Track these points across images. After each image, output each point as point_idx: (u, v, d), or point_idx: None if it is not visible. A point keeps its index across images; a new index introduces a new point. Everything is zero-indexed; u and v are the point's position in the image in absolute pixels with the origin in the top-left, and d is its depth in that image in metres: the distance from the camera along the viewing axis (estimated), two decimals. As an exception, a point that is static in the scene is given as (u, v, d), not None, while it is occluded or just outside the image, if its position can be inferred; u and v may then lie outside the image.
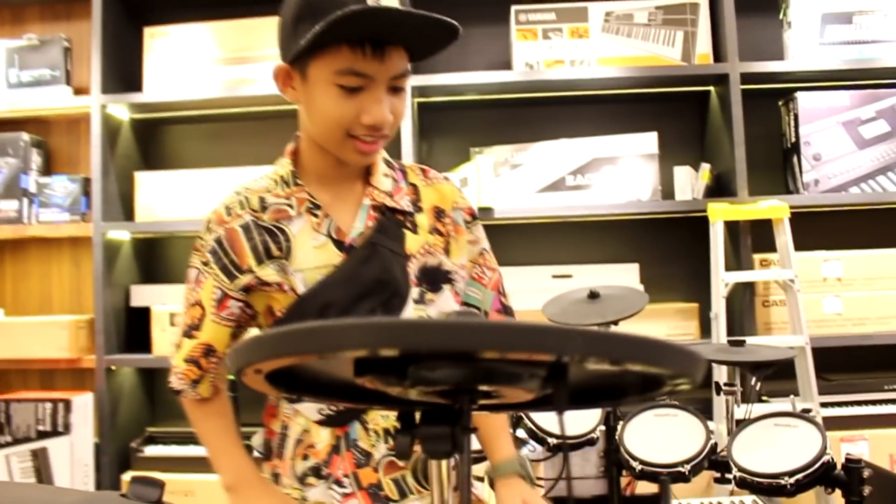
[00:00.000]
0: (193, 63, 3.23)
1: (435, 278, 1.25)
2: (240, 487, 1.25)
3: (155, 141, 3.58)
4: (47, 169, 3.45)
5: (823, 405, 2.91)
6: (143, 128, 3.50)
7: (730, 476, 1.61)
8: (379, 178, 1.26)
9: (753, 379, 1.79)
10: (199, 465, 2.97)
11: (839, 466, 1.57)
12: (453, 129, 3.41)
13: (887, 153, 3.01)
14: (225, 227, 1.25)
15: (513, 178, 3.13)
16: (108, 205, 3.21)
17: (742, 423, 1.73)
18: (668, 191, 3.15)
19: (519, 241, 3.37)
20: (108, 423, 3.09)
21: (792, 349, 2.02)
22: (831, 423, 2.90)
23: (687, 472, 1.61)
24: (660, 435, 1.72)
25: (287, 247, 1.20)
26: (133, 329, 3.30)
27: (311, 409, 1.23)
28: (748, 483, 1.56)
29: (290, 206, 1.22)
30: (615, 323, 1.94)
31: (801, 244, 2.91)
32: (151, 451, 3.11)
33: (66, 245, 3.49)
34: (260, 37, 3.21)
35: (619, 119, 3.27)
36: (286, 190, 1.23)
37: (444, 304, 1.24)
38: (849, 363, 3.16)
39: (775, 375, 3.05)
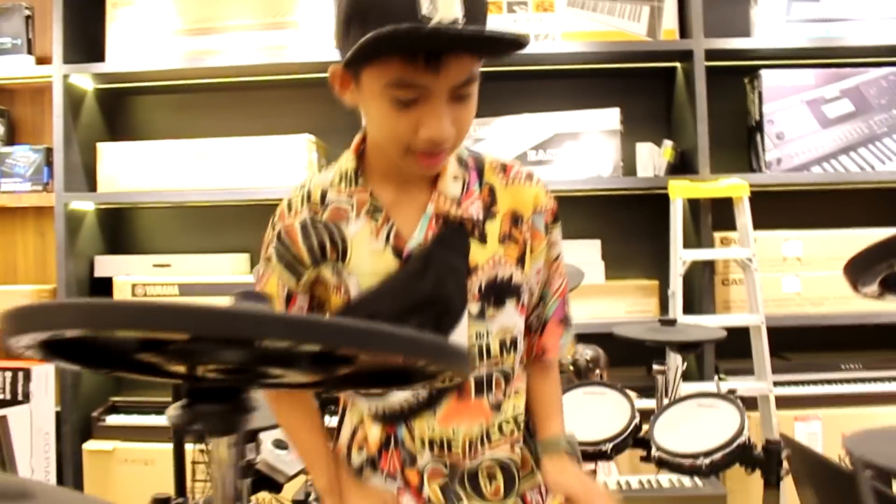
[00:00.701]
0: (157, 33, 3.21)
1: (500, 292, 1.16)
2: (335, 491, 1.20)
3: (120, 111, 3.56)
4: (11, 139, 3.43)
5: (780, 384, 2.93)
6: (107, 98, 3.48)
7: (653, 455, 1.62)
8: (447, 181, 1.15)
9: (679, 358, 1.80)
10: (159, 433, 3.01)
11: (759, 447, 1.58)
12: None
13: (850, 133, 3.00)
14: (285, 224, 1.19)
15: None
16: (71, 175, 3.20)
17: (667, 404, 1.74)
18: (630, 167, 3.14)
19: (482, 216, 3.36)
20: (69, 392, 3.11)
21: (722, 330, 2.02)
22: (787, 402, 2.92)
23: (609, 451, 1.62)
24: (587, 413, 1.73)
25: (343, 248, 1.14)
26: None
27: (364, 402, 1.22)
28: (666, 462, 1.58)
29: (351, 206, 1.15)
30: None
31: (762, 223, 2.91)
32: (113, 420, 3.14)
33: (31, 215, 3.49)
34: (223, 7, 3.19)
35: (584, 94, 3.25)
36: (348, 188, 1.16)
37: (505, 321, 1.16)
38: (806, 342, 3.17)
39: (736, 354, 3.09)
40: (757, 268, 2.84)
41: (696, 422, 1.65)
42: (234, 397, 0.59)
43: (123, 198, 3.22)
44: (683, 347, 1.76)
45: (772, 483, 1.53)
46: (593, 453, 1.64)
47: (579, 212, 3.25)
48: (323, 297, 1.19)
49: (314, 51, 3.11)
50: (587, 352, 2.56)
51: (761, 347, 2.82)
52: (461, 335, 1.13)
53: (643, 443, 1.69)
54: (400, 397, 1.15)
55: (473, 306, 1.14)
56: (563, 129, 3.09)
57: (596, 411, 1.76)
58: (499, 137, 3.10)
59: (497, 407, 1.16)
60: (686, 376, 3.23)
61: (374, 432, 1.20)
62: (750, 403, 2.64)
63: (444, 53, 0.99)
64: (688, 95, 3.06)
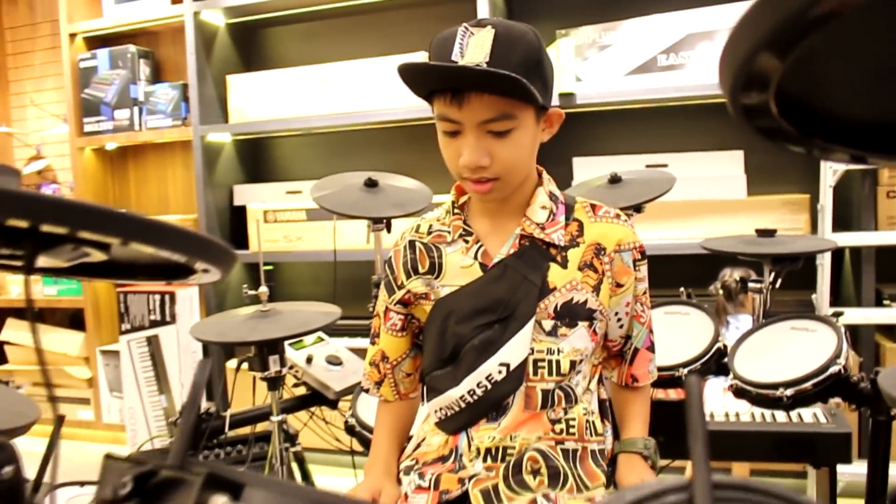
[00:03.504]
0: (277, -38, 3.22)
1: (575, 314, 1.25)
2: (369, 475, 1.37)
3: (250, 44, 3.66)
4: (156, 78, 3.64)
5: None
6: (237, 32, 3.58)
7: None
8: (535, 209, 1.29)
9: (773, 273, 1.54)
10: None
11: (863, 378, 1.32)
12: (542, 11, 3.18)
13: None
14: (394, 250, 1.39)
15: (601, 61, 2.88)
16: (206, 108, 3.34)
17: (755, 326, 1.50)
18: (777, 67, 2.76)
19: (609, 128, 3.14)
20: (214, 314, 3.32)
21: (832, 241, 1.71)
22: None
23: (683, 377, 1.43)
24: (667, 334, 1.53)
25: (439, 265, 1.30)
26: (235, 227, 3.48)
27: (432, 410, 1.34)
28: (743, 392, 1.36)
29: (448, 231, 1.33)
30: (638, 208, 1.74)
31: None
32: (252, 341, 3.30)
33: (178, 148, 3.71)
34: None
35: (721, -14, 2.88)
36: (448, 217, 1.34)
37: (576, 342, 1.25)
38: None
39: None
40: (929, 175, 2.42)
41: (787, 347, 1.41)
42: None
43: (253, 127, 3.32)
44: (776, 260, 1.50)
45: (880, 423, 1.28)
46: (668, 379, 1.46)
47: (718, 120, 2.93)
48: (418, 314, 1.35)
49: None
50: (736, 273, 2.33)
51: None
52: (525, 341, 1.23)
53: (725, 369, 1.48)
54: (457, 394, 1.26)
55: (547, 323, 1.24)
56: (696, 29, 2.77)
57: (679, 332, 1.56)
58: (626, 42, 2.84)
59: (556, 421, 1.25)
60: (841, 301, 2.87)
61: (436, 442, 1.30)
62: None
63: (466, 91, 1.13)
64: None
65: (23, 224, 0.46)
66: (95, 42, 3.66)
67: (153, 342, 3.22)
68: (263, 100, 3.28)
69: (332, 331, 2.26)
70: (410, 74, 1.16)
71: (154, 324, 3.21)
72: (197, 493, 0.40)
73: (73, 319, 3.93)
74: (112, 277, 0.70)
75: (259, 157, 3.70)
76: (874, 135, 0.45)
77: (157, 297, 3.20)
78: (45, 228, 0.47)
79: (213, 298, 3.38)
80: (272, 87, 3.27)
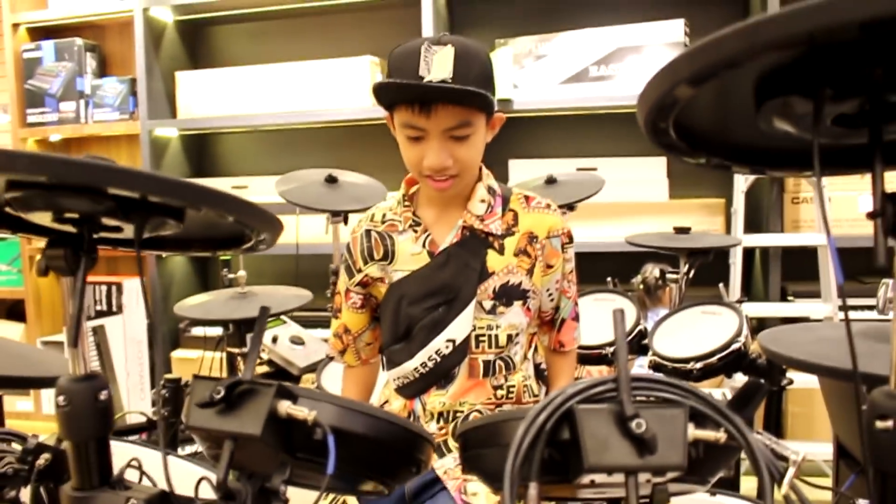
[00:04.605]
0: (227, -38, 3.32)
1: (511, 295, 1.42)
2: None
3: (200, 41, 3.73)
4: (102, 72, 3.67)
5: (855, 307, 2.81)
6: (187, 29, 3.65)
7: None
8: (475, 203, 1.44)
9: (687, 265, 1.76)
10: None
11: (760, 355, 1.54)
12: (482, 20, 3.37)
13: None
14: (352, 236, 1.53)
15: (537, 70, 3.08)
16: (154, 104, 3.41)
17: (670, 311, 1.72)
18: (697, 81, 3.01)
19: (543, 133, 3.34)
20: (160, 306, 3.39)
21: (736, 238, 1.95)
22: (859, 324, 2.79)
23: (609, 355, 1.63)
24: (595, 319, 1.73)
25: (392, 251, 1.46)
26: (182, 221, 3.55)
27: (391, 378, 1.50)
28: (660, 367, 1.57)
29: (400, 221, 1.48)
30: (571, 207, 1.94)
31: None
32: (198, 331, 3.38)
33: (123, 142, 3.76)
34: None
35: (647, 6, 3.13)
36: (399, 209, 1.49)
37: (513, 318, 1.42)
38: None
39: (808, 276, 2.97)
40: (825, 185, 2.70)
41: (697, 328, 1.63)
42: (77, 244, 0.71)
43: (201, 124, 3.40)
44: (691, 254, 1.72)
45: (773, 392, 1.50)
46: (595, 357, 1.65)
47: (643, 128, 3.17)
48: (375, 293, 1.50)
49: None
50: (656, 270, 2.55)
51: (828, 269, 2.70)
52: (467, 319, 1.40)
53: (645, 349, 1.69)
54: (411, 366, 1.43)
55: (487, 303, 1.41)
56: (625, 43, 3.00)
57: (604, 317, 1.76)
58: (561, 53, 3.04)
59: (498, 388, 1.43)
60: (751, 297, 3.15)
61: (396, 406, 1.48)
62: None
63: (433, 103, 1.29)
64: (761, 6, 2.89)
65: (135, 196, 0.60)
66: (39, 33, 3.68)
67: (99, 332, 3.27)
68: (211, 97, 3.36)
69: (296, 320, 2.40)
70: (384, 90, 1.32)
71: (100, 314, 3.26)
72: (271, 398, 0.55)
73: (12, 311, 3.93)
74: (171, 250, 0.84)
75: (205, 153, 3.77)
76: (738, 151, 0.65)
77: (104, 287, 3.26)
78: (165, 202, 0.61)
79: (160, 290, 3.45)
80: (220, 84, 3.36)
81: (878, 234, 0.59)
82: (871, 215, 0.59)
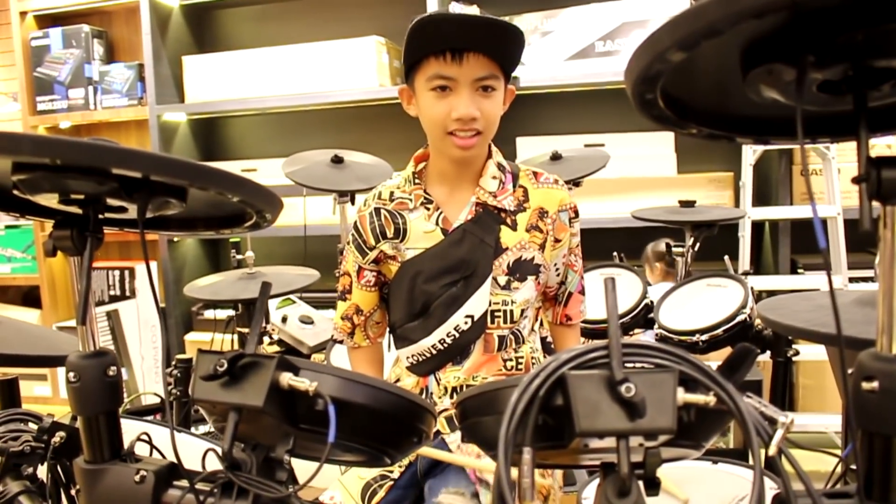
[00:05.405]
0: (230, -55, 3.32)
1: (524, 270, 1.44)
2: None
3: (206, 25, 3.74)
4: (110, 58, 3.69)
5: (864, 279, 2.81)
6: (193, 13, 3.66)
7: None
8: (487, 179, 1.45)
9: (692, 238, 1.76)
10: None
11: (766, 327, 1.55)
12: (487, -1, 3.35)
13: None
14: (359, 215, 1.52)
15: (543, 46, 3.08)
16: (162, 88, 3.43)
17: (676, 284, 1.72)
18: (704, 54, 2.99)
19: (550, 110, 3.34)
20: (172, 289, 3.42)
21: (742, 211, 1.95)
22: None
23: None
24: (601, 293, 1.72)
25: (404, 230, 1.46)
26: (192, 205, 3.57)
27: (403, 357, 1.51)
28: (666, 339, 1.58)
29: (410, 199, 1.48)
30: (577, 183, 1.94)
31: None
32: (210, 314, 3.42)
33: (133, 128, 3.78)
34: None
35: (654, -21, 3.10)
36: (409, 187, 1.48)
37: (526, 293, 1.44)
38: None
39: (818, 248, 2.95)
40: (835, 156, 2.69)
41: (703, 301, 1.63)
42: (83, 224, 0.73)
43: (209, 107, 3.41)
44: (696, 227, 1.72)
45: (779, 363, 1.50)
46: (601, 332, 1.66)
47: (650, 104, 3.15)
48: (385, 271, 1.51)
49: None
50: (661, 245, 2.55)
51: (837, 241, 2.69)
52: (485, 295, 1.42)
53: (651, 322, 1.70)
54: (428, 343, 1.44)
55: (502, 278, 1.43)
56: (630, 18, 2.98)
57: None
58: (565, 30, 3.03)
59: (508, 360, 1.46)
60: (761, 270, 3.15)
61: (409, 383, 1.49)
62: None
63: (465, 50, 1.30)
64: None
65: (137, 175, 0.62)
66: (46, 21, 3.70)
67: (113, 317, 3.31)
68: (218, 80, 3.38)
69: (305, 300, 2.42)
70: (421, 34, 1.31)
71: (114, 299, 3.30)
72: (273, 370, 0.57)
73: (27, 297, 3.98)
74: (175, 230, 0.86)
75: (214, 137, 3.79)
76: (728, 120, 0.65)
77: (117, 272, 3.30)
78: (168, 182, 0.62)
79: (172, 273, 3.48)
80: (227, 68, 3.37)
81: (863, 198, 0.60)
82: (855, 180, 0.60)
